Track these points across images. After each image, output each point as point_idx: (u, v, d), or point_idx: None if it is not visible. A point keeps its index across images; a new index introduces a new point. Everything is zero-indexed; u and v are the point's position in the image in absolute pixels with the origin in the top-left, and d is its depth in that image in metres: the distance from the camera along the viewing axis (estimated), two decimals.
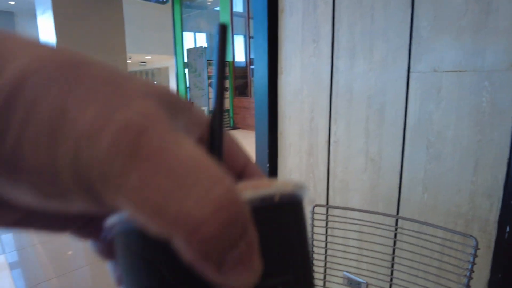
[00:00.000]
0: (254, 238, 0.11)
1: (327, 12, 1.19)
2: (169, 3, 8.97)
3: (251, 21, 6.89)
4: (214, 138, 0.15)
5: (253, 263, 0.11)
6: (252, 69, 7.00)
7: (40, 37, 5.04)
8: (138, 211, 0.10)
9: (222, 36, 0.15)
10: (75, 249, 2.03)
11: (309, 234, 1.00)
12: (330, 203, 1.25)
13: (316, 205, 0.98)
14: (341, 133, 1.18)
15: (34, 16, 13.76)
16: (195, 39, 8.92)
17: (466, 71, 0.88)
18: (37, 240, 2.13)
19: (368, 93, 1.09)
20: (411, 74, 0.98)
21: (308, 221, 1.29)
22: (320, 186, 1.27)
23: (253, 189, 0.13)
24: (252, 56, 6.97)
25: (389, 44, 1.02)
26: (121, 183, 0.10)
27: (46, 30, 4.69)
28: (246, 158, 0.18)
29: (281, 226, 0.13)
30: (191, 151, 0.11)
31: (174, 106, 0.13)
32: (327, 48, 1.18)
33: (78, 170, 0.10)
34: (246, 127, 7.01)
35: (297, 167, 1.35)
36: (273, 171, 1.43)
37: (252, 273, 0.11)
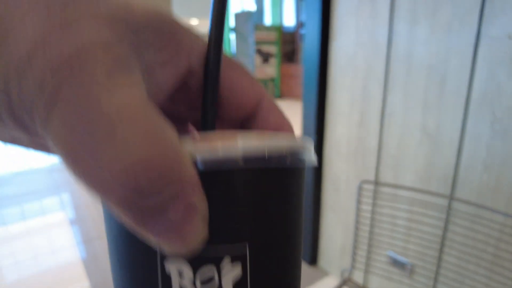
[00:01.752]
0: (192, 202, 0.10)
1: None
2: None
3: None
4: (208, 72, 0.14)
5: (189, 229, 0.11)
6: (302, 34, 6.81)
7: None
8: (60, 155, 0.10)
9: None
10: None
11: (355, 211, 1.02)
12: (380, 179, 1.24)
13: (363, 181, 0.99)
14: (397, 104, 1.15)
15: None
16: (242, 2, 8.82)
17: None
18: (90, 201, 2.39)
19: (429, 61, 1.04)
20: (481, 40, 0.92)
21: (354, 198, 1.30)
22: (370, 161, 1.26)
23: (213, 147, 0.11)
24: (302, 20, 6.76)
25: (457, 4, 0.96)
26: (45, 125, 0.09)
27: None
28: (260, 93, 0.16)
29: (238, 192, 0.12)
30: (124, 100, 0.10)
31: (151, 35, 0.12)
32: (385, 9, 1.14)
33: (7, 98, 0.10)
34: (293, 96, 6.94)
35: (345, 138, 1.35)
36: (319, 142, 1.44)
37: (189, 241, 0.11)
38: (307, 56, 1.40)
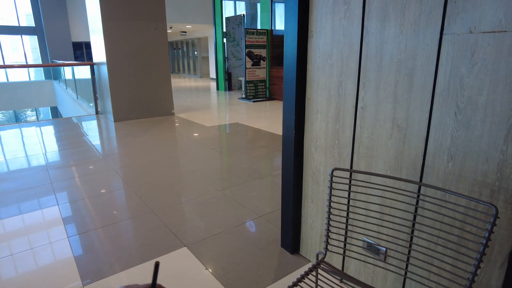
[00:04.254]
0: None
1: None
2: None
3: None
4: None
5: None
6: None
7: (88, 8, 5.25)
8: None
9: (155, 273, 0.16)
10: (119, 205, 2.23)
11: (327, 198, 1.02)
12: (354, 168, 1.25)
13: (336, 169, 0.99)
14: (369, 99, 1.16)
15: None
16: (235, 7, 8.79)
17: (506, 31, 0.82)
18: (85, 195, 2.36)
19: (398, 57, 1.05)
20: (444, 37, 0.93)
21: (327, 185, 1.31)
22: (345, 152, 1.27)
23: None
24: None
25: (423, 3, 0.97)
26: None
27: (92, 2, 4.86)
28: None
29: None
30: None
31: None
32: (359, 9, 1.14)
33: None
34: (282, 97, 6.95)
35: (323, 133, 1.35)
36: (300, 137, 1.44)
37: None
38: (287, 55, 1.40)
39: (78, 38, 15.34)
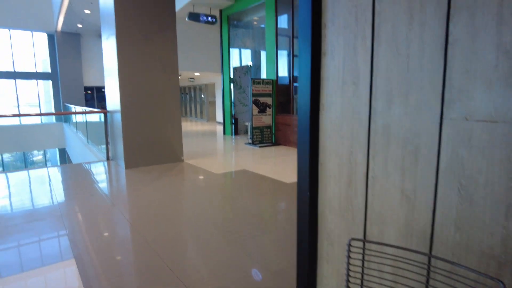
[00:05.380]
0: None
1: (366, 58, 1.30)
2: (218, 23, 9.46)
3: (295, 39, 7.06)
4: None
5: None
6: (295, 86, 7.13)
7: (104, 57, 5.60)
8: None
9: None
10: (128, 254, 2.28)
11: (345, 267, 1.09)
12: (368, 234, 1.33)
13: (353, 239, 1.08)
14: (378, 170, 1.27)
15: (95, 37, 15.13)
16: (240, 56, 9.29)
17: (497, 122, 0.94)
18: (97, 247, 2.42)
19: (404, 135, 1.17)
20: (444, 121, 1.06)
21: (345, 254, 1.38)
22: (358, 217, 1.36)
23: None
24: (295, 74, 7.11)
25: (423, 91, 1.11)
26: None
27: (109, 52, 5.21)
28: None
29: None
30: None
31: None
32: (366, 90, 1.29)
33: None
34: (287, 143, 7.12)
35: (336, 197, 1.45)
36: (314, 199, 1.54)
37: None
38: (301, 124, 1.54)
39: (89, 82, 16.01)
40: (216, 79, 13.71)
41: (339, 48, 1.40)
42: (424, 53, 1.11)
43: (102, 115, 5.94)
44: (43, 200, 3.69)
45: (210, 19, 9.37)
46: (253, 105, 7.17)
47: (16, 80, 15.34)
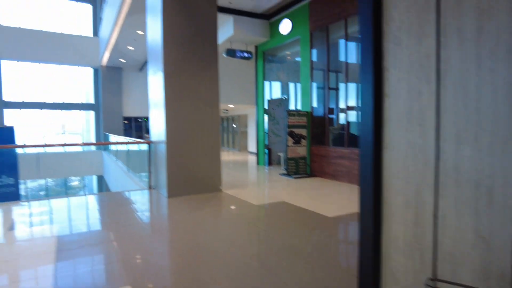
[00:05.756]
0: None
1: (431, 100, 1.36)
2: (253, 58, 9.88)
3: (330, 73, 7.22)
4: None
5: None
6: (330, 118, 7.21)
7: (150, 90, 5.98)
8: None
9: None
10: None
11: None
12: (438, 274, 1.32)
13: (432, 279, 1.09)
14: (449, 209, 1.29)
15: (135, 70, 16.07)
16: (271, 88, 9.56)
17: None
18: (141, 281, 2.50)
19: (477, 176, 1.20)
20: None
21: None
22: (427, 256, 1.36)
23: None
24: (331, 106, 7.21)
25: (497, 133, 1.14)
26: None
27: (156, 86, 5.57)
28: None
29: None
30: None
31: None
32: (432, 132, 1.34)
33: None
34: (323, 175, 7.09)
35: (402, 235, 1.46)
36: (377, 236, 1.56)
37: None
38: (363, 162, 1.60)
39: (128, 113, 16.90)
40: (248, 110, 14.07)
41: (402, 91, 1.47)
42: (496, 97, 1.16)
43: (142, 144, 6.26)
44: (86, 227, 3.88)
45: (246, 54, 9.81)
46: (288, 136, 7.28)
47: (62, 110, 16.49)
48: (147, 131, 17.71)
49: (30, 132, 16.02)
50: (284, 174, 7.41)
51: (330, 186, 6.20)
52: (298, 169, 7.36)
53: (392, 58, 1.53)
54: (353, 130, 6.79)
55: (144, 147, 6.68)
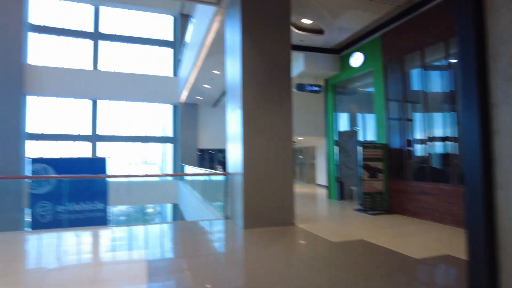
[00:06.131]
0: None
1: None
2: (322, 91, 9.97)
3: (406, 104, 6.94)
4: None
5: None
6: (409, 150, 6.82)
7: (228, 125, 6.34)
8: None
9: None
10: None
11: None
12: None
13: None
14: None
15: (209, 106, 17.22)
16: (338, 120, 9.44)
17: None
18: None
19: None
20: None
21: None
22: None
23: None
24: (409, 138, 6.85)
25: None
26: None
27: (234, 121, 5.91)
28: None
29: None
30: None
31: None
32: None
33: None
34: (404, 212, 6.63)
35: None
36: (493, 284, 1.42)
37: None
38: (471, 202, 1.51)
39: (202, 145, 18.00)
40: (316, 142, 14.00)
41: None
42: None
43: (225, 179, 6.57)
44: (171, 253, 4.12)
45: (315, 88, 9.96)
46: (363, 169, 7.04)
47: (144, 143, 18.23)
48: (219, 162, 18.58)
49: (117, 162, 17.90)
50: (359, 210, 7.10)
51: (413, 224, 5.75)
52: (375, 204, 7.00)
53: (502, 94, 1.46)
54: (435, 163, 6.33)
55: (220, 178, 7.01)
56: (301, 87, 9.89)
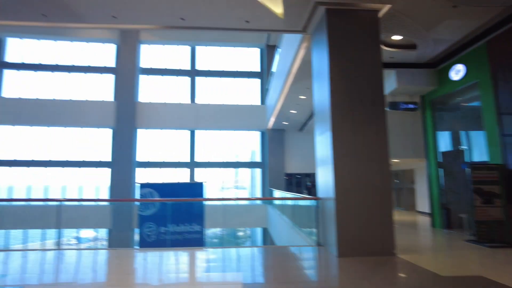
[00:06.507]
0: None
1: None
2: (418, 109, 9.21)
3: (505, 116, 5.94)
4: None
5: None
6: None
7: (317, 149, 6.27)
8: None
9: None
10: None
11: None
12: None
13: None
14: None
15: (295, 131, 17.37)
16: (438, 139, 8.49)
17: None
18: None
19: None
20: None
21: None
22: None
23: None
24: None
25: None
26: None
27: (323, 145, 5.83)
28: None
29: None
30: None
31: None
32: None
33: None
34: None
35: None
36: None
37: None
38: None
39: (289, 170, 18.12)
40: (415, 164, 12.82)
41: None
42: None
43: (316, 204, 6.46)
44: (263, 278, 4.13)
45: (410, 106, 9.27)
46: (475, 194, 6.15)
47: (233, 168, 19.18)
48: (306, 187, 18.37)
49: (211, 186, 19.12)
50: (472, 241, 6.16)
51: None
52: (492, 235, 6.00)
53: None
54: None
55: (310, 202, 6.90)
56: (394, 105, 9.30)
